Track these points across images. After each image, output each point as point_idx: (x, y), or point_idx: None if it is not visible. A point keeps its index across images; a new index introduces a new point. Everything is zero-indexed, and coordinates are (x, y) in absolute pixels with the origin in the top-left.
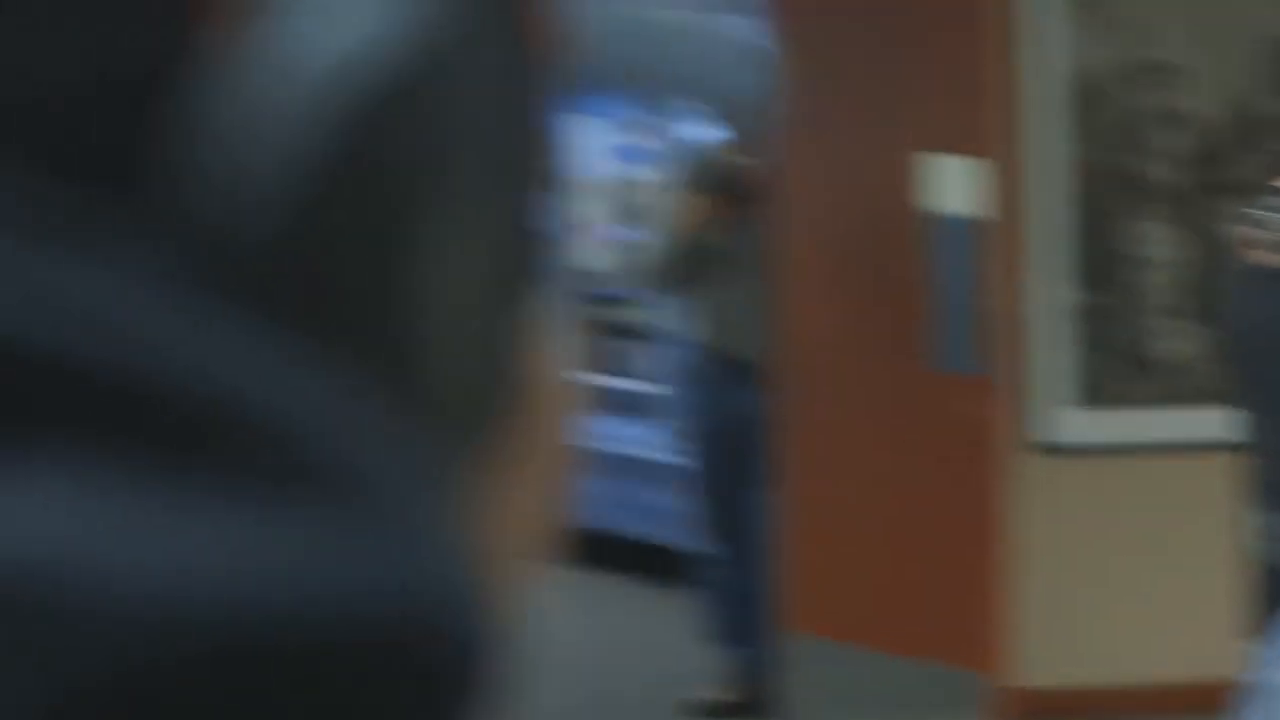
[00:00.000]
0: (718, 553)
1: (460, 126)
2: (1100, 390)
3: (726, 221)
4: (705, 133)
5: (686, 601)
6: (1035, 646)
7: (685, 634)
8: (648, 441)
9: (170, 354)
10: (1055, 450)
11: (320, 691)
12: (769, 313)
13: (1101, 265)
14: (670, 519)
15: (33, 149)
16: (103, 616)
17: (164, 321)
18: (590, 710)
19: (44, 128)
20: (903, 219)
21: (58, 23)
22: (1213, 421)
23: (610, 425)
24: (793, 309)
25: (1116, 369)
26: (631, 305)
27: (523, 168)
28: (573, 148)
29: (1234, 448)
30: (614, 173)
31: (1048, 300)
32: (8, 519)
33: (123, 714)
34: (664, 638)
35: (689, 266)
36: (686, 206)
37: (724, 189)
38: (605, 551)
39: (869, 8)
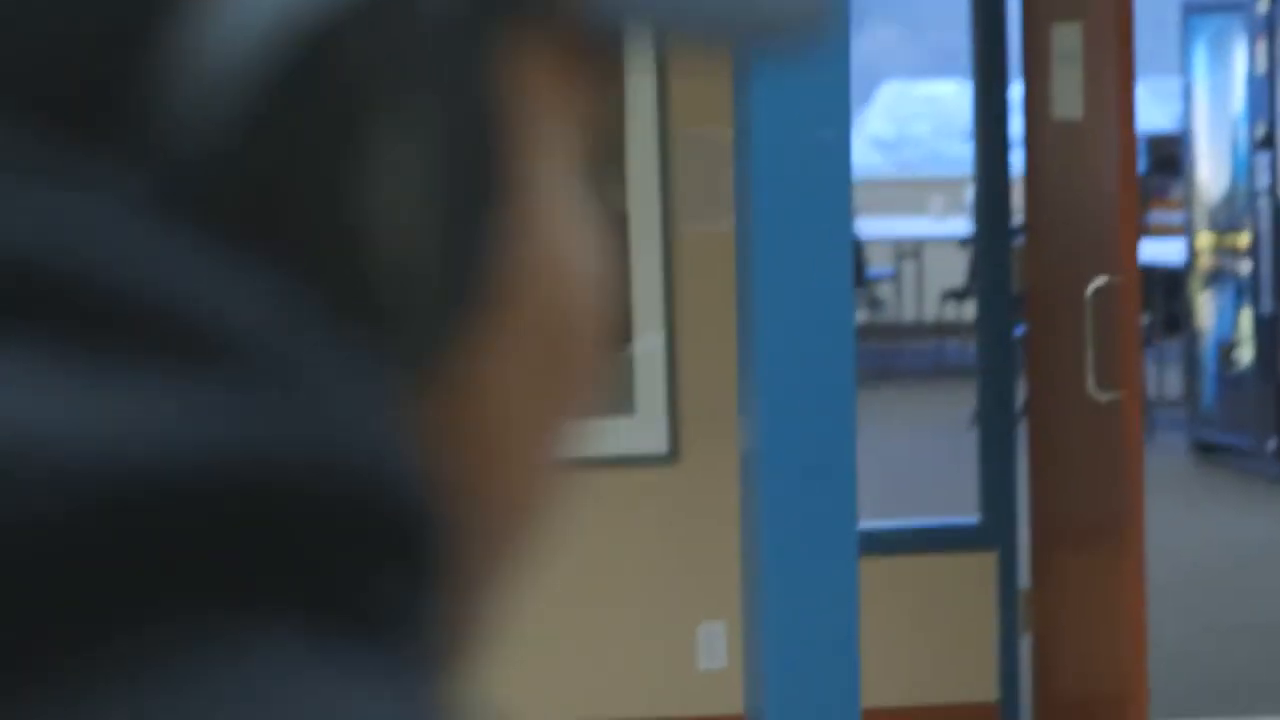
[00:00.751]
0: None
1: (403, 51)
2: None
3: None
4: None
5: None
6: None
7: None
8: None
9: (108, 256)
10: None
11: (205, 535)
12: None
13: None
14: None
15: (13, 87)
16: (12, 466)
17: (109, 230)
18: None
19: (24, 68)
20: None
21: None
22: None
23: None
24: None
25: None
26: None
27: (473, 93)
28: None
29: None
30: None
31: None
32: None
33: (30, 554)
34: None
35: None
36: None
37: None
38: None
39: None
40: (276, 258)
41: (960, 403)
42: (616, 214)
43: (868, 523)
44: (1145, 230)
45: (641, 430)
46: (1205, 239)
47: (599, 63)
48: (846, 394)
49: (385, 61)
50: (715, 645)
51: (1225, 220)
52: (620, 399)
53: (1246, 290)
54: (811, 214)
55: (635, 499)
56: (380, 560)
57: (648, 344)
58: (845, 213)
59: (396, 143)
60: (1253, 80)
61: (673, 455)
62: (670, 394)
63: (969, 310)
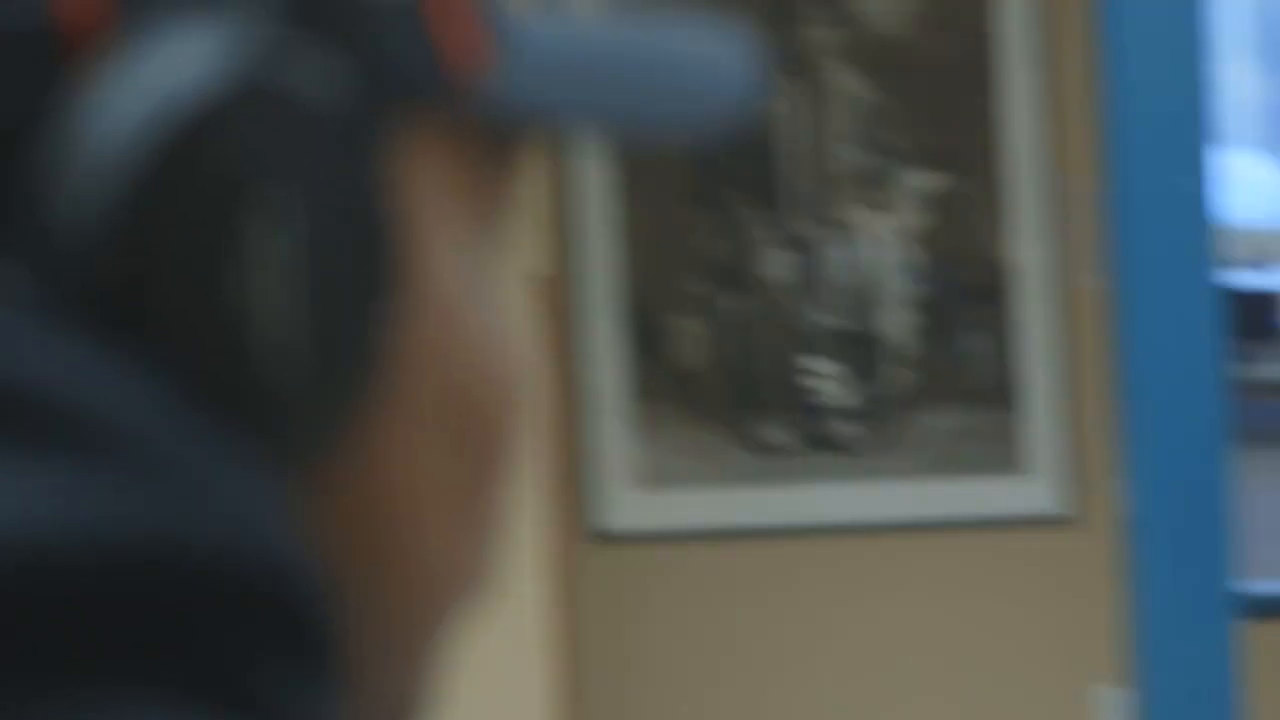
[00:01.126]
0: None
1: (278, 143)
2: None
3: None
4: None
5: None
6: None
7: None
8: None
9: None
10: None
11: (75, 613)
12: None
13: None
14: None
15: None
16: None
17: None
18: None
19: None
20: None
21: None
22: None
23: None
24: None
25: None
26: None
27: (354, 183)
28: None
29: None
30: None
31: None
32: None
33: None
34: None
35: None
36: None
37: None
38: None
39: None
40: (155, 348)
41: None
42: (1006, 265)
43: (1263, 585)
44: None
45: (1030, 490)
46: None
47: (502, 148)
48: (1216, 451)
49: (260, 153)
50: (1107, 711)
51: None
52: (1008, 458)
53: None
54: (1172, 265)
55: (1025, 561)
56: (262, 643)
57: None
58: (1206, 262)
59: (270, 234)
60: None
61: (1065, 516)
62: (1063, 453)
63: None
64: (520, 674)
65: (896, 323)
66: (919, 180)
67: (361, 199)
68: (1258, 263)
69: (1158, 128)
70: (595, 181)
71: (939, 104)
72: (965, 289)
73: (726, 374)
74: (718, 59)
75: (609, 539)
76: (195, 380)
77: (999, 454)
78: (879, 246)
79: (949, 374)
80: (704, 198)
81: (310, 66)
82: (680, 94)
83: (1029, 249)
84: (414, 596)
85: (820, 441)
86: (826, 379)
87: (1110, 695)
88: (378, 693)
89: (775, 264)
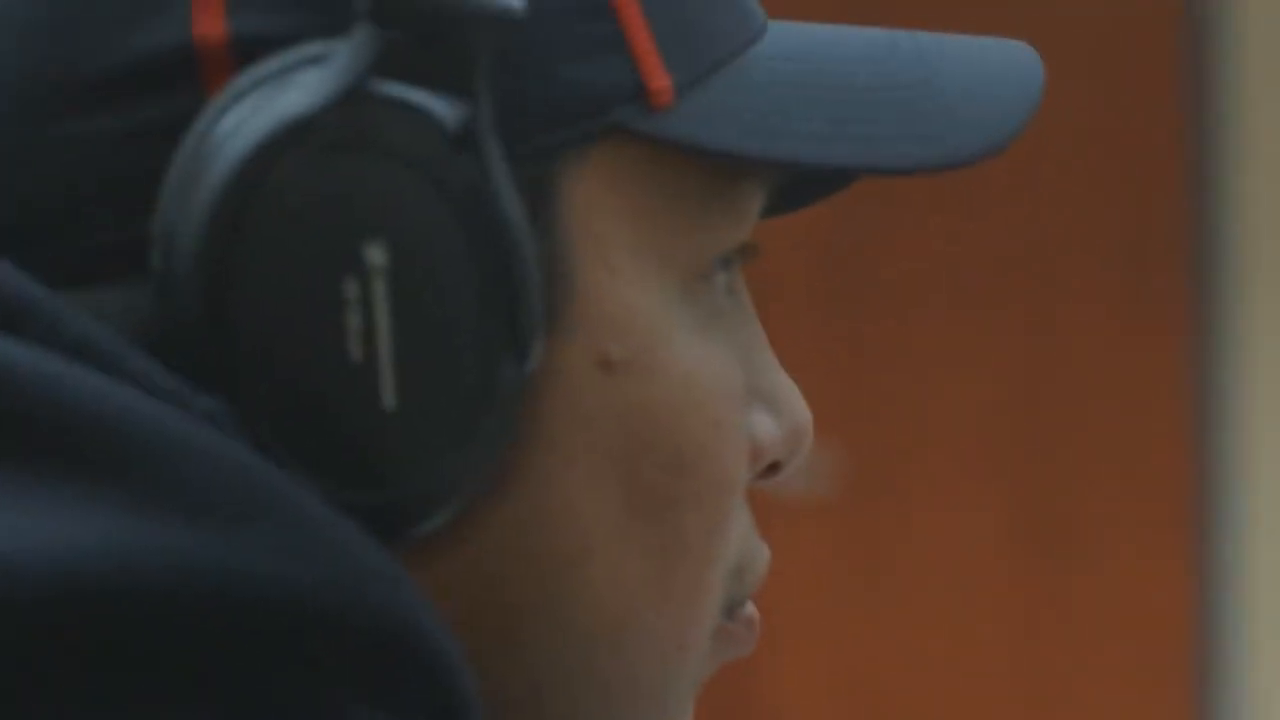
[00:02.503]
0: None
1: (380, 192)
2: None
3: None
4: None
5: None
6: None
7: None
8: None
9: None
10: None
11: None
12: None
13: None
14: None
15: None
16: None
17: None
18: None
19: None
20: None
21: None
22: None
23: None
24: None
25: None
26: None
27: (476, 232)
28: None
29: None
30: None
31: None
32: None
33: None
34: None
35: None
36: None
37: None
38: None
39: None
40: (254, 397)
41: None
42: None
43: None
44: None
45: None
46: None
47: (720, 183)
48: None
49: (362, 194)
50: None
51: None
52: None
53: None
54: None
55: None
56: (399, 700)
57: None
58: None
59: (375, 279)
60: None
61: None
62: None
63: None
64: None
65: None
66: None
67: (491, 241)
68: None
69: None
70: None
71: None
72: None
73: None
74: (982, 78)
75: None
76: (294, 434)
77: None
78: None
79: None
80: None
81: (423, 105)
82: (929, 120)
83: None
84: (588, 656)
85: None
86: None
87: None
88: None
89: None
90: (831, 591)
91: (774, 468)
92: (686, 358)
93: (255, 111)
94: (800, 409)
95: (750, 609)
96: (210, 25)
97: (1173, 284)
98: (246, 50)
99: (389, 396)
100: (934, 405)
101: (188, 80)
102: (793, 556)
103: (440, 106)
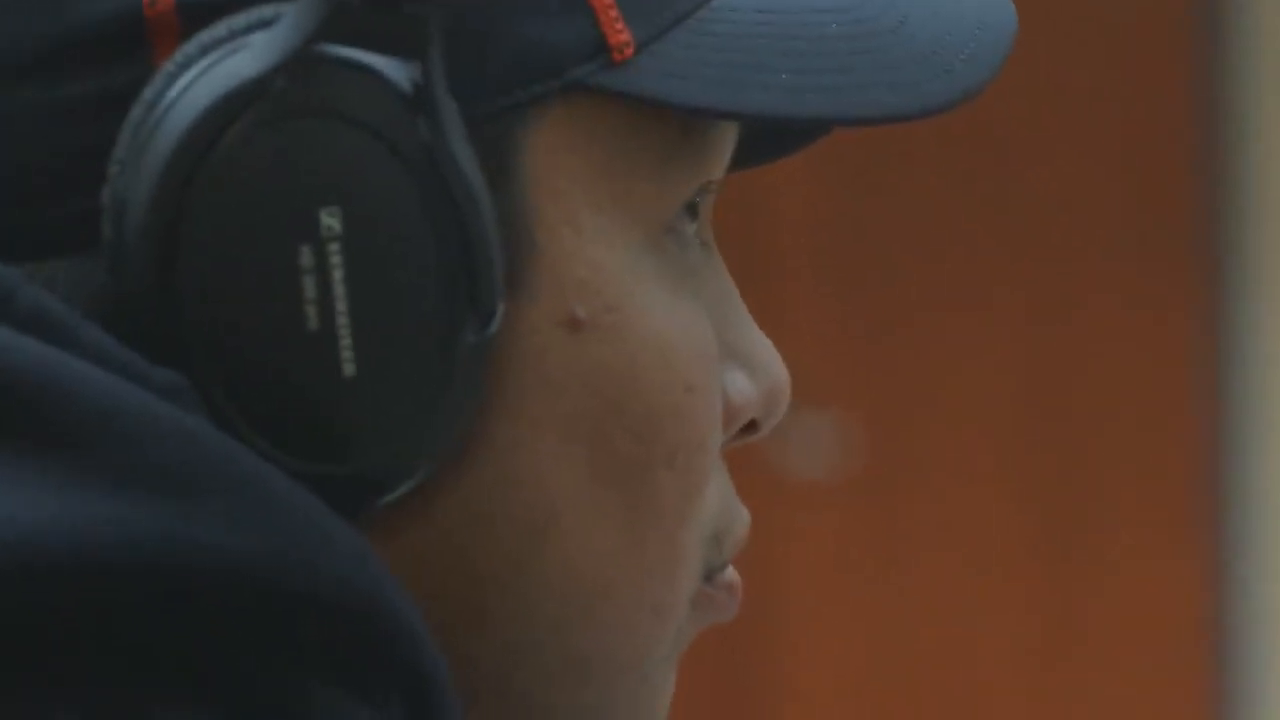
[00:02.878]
0: None
1: (332, 153)
2: None
3: None
4: None
5: None
6: None
7: None
8: None
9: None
10: None
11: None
12: None
13: None
14: None
15: None
16: None
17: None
18: None
19: None
20: None
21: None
22: None
23: None
24: None
25: None
26: None
27: (430, 192)
28: None
29: None
30: None
31: None
32: None
33: None
34: None
35: None
36: None
37: None
38: None
39: None
40: (209, 368)
41: None
42: None
43: None
44: None
45: None
46: None
47: (680, 138)
48: None
49: (313, 156)
50: None
51: None
52: None
53: None
54: None
55: None
56: (343, 675)
57: None
58: None
59: (330, 241)
60: None
61: None
62: None
63: None
64: None
65: None
66: None
67: (448, 203)
68: None
69: None
70: None
71: None
72: None
73: None
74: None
75: None
76: (252, 406)
77: None
78: None
79: None
80: None
81: (375, 67)
82: (899, 70)
83: None
84: (561, 626)
85: None
86: None
87: None
88: (552, 717)
89: None
90: (844, 574)
91: (751, 427)
92: (656, 315)
93: (203, 77)
94: (776, 366)
95: (731, 573)
96: None
97: (1189, 271)
98: (195, 15)
99: (348, 365)
100: (948, 389)
101: (137, 48)
102: (805, 538)
103: (392, 68)
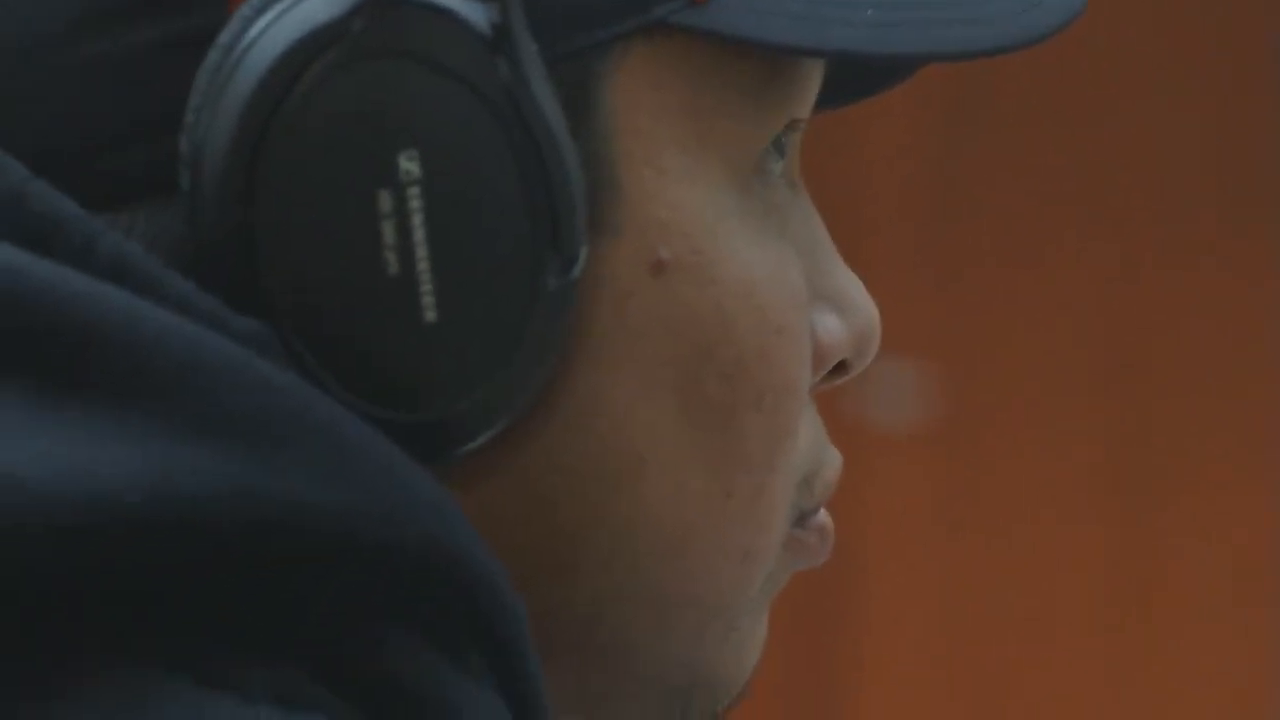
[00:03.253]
0: None
1: (409, 99)
2: None
3: None
4: None
5: None
6: None
7: None
8: None
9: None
10: None
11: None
12: None
13: None
14: None
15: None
16: None
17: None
18: None
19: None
20: None
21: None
22: None
23: None
24: None
25: None
26: None
27: (514, 136)
28: None
29: None
30: None
31: None
32: None
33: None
34: None
35: None
36: None
37: None
38: None
39: None
40: (288, 317)
41: None
42: None
43: None
44: None
45: None
46: None
47: (766, 73)
48: None
49: (392, 100)
50: None
51: None
52: None
53: None
54: None
55: None
56: (414, 622)
57: None
58: None
59: (409, 185)
60: None
61: None
62: None
63: None
64: None
65: None
66: None
67: (529, 145)
68: None
69: None
70: None
71: None
72: None
73: None
74: None
75: None
76: (333, 353)
77: None
78: None
79: None
80: None
81: (454, 8)
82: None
83: None
84: (646, 575)
85: None
86: None
87: None
88: (636, 667)
89: None
90: (922, 524)
91: (841, 368)
92: (743, 256)
93: (279, 21)
94: (867, 306)
95: (823, 517)
96: None
97: (1273, 229)
98: None
99: (429, 311)
100: (1031, 342)
101: None
102: (884, 488)
103: (470, 9)
